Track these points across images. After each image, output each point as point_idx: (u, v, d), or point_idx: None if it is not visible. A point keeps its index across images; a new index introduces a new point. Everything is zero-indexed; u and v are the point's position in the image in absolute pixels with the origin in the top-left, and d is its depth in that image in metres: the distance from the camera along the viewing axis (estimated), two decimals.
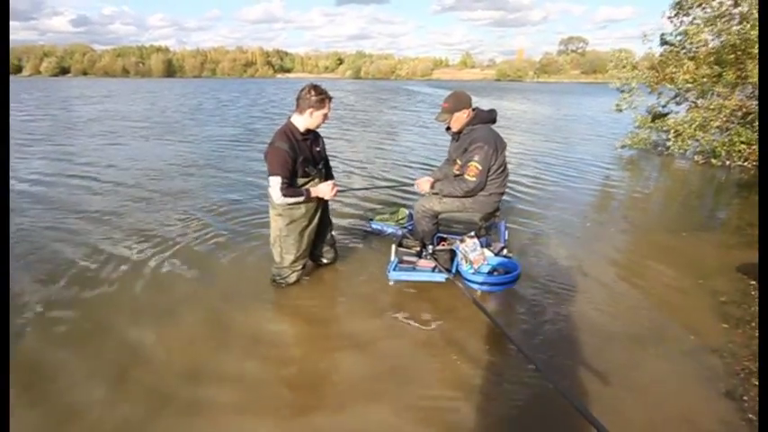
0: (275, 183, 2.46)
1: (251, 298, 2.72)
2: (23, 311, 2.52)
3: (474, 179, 2.71)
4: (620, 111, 8.75)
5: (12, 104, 17.94)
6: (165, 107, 17.92)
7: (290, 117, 2.60)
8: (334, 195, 2.72)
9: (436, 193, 2.94)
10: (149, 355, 2.17)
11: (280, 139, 2.49)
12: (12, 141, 8.41)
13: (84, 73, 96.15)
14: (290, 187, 2.51)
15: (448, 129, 2.96)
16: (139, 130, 10.59)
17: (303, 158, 2.56)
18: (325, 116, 2.58)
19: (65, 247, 3.48)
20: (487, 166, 2.70)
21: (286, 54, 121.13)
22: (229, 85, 46.15)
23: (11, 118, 12.74)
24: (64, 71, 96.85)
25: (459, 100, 2.79)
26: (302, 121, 2.55)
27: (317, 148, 2.72)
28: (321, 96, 2.50)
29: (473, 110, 2.82)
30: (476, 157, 2.68)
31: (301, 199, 2.57)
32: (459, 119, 2.80)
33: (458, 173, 2.86)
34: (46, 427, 1.76)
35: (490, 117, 2.84)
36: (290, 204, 2.58)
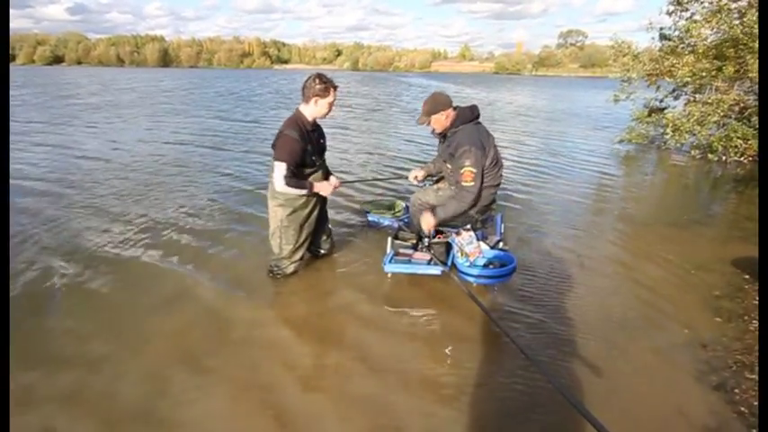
0: (280, 168, 2.46)
1: (248, 289, 2.71)
2: (17, 299, 2.51)
3: (472, 184, 2.67)
4: (617, 101, 8.70)
5: (43, 90, 19.22)
6: (200, 93, 19.20)
7: (298, 107, 2.61)
8: (335, 190, 2.80)
9: (435, 183, 2.93)
10: (142, 346, 2.16)
11: (290, 128, 2.50)
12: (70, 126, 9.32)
13: (79, 62, 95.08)
14: (293, 177, 2.51)
15: (433, 131, 2.94)
16: (199, 111, 12.73)
17: (311, 148, 2.58)
18: (331, 104, 2.59)
19: (68, 227, 3.57)
20: (480, 167, 2.67)
21: (283, 45, 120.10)
22: (236, 75, 45.98)
23: (47, 99, 14.26)
24: (58, 60, 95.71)
25: (436, 102, 2.74)
26: (309, 111, 2.57)
27: (322, 141, 2.75)
28: (326, 85, 2.50)
29: (454, 109, 2.78)
30: (467, 162, 2.64)
31: (303, 192, 2.57)
32: (439, 120, 2.76)
33: (451, 175, 2.84)
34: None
35: (473, 115, 2.79)
36: (290, 194, 2.58)
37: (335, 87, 2.57)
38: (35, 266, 2.94)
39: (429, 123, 2.80)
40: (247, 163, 6.16)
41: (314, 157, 2.62)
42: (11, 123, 9.30)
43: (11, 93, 17.34)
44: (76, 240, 3.37)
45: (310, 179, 2.64)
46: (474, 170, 2.65)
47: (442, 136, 2.89)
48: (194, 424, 1.73)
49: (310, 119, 2.58)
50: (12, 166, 5.61)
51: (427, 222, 2.76)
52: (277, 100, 17.60)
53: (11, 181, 4.91)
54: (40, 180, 5.09)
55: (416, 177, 3.15)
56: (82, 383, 1.91)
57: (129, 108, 13.26)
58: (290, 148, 2.47)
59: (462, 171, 2.66)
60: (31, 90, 19.48)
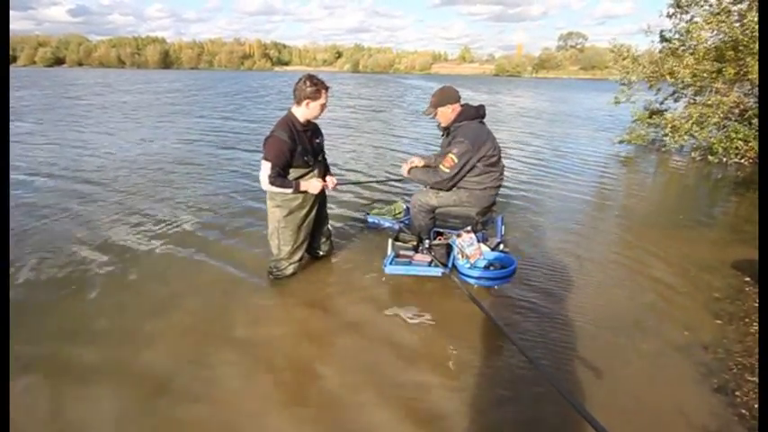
0: (265, 168, 2.48)
1: (247, 291, 2.71)
2: (19, 294, 2.54)
3: (447, 170, 2.70)
4: (618, 104, 8.72)
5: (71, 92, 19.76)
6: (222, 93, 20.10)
7: (290, 108, 2.60)
8: (334, 187, 2.82)
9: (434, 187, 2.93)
10: (142, 347, 2.16)
11: (280, 129, 2.50)
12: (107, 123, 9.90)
13: (80, 63, 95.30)
14: (279, 177, 2.52)
15: (438, 125, 2.95)
16: (205, 111, 13.28)
17: (302, 148, 2.57)
18: (323, 106, 2.58)
19: (66, 225, 3.71)
20: (465, 161, 2.68)
21: (284, 47, 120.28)
22: (238, 77, 46.32)
23: (68, 99, 15.09)
24: (59, 61, 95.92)
25: (444, 95, 2.77)
26: (301, 113, 2.56)
27: (317, 140, 2.74)
28: (316, 87, 2.49)
29: (461, 105, 2.80)
30: (453, 150, 2.68)
31: (289, 190, 2.57)
32: (445, 114, 2.79)
33: (438, 159, 2.88)
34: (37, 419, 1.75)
35: (478, 114, 2.81)
36: (278, 193, 2.59)
37: (327, 89, 2.55)
38: (18, 265, 2.95)
39: (435, 115, 2.83)
40: (255, 161, 6.18)
41: (306, 158, 2.60)
42: (23, 123, 9.72)
43: (18, 93, 17.64)
44: (90, 234, 3.43)
45: (305, 179, 2.64)
46: (456, 159, 2.67)
47: (446, 131, 2.91)
48: (197, 419, 1.73)
49: (302, 120, 2.57)
50: (30, 163, 5.98)
51: (405, 169, 3.05)
52: (281, 101, 17.69)
53: (32, 177, 5.29)
54: (60, 175, 5.38)
55: (413, 163, 3.14)
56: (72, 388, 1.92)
57: (137, 109, 13.54)
58: (277, 148, 2.48)
59: (446, 156, 2.72)
60: (37, 91, 19.81)
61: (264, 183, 2.51)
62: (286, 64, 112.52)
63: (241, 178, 5.40)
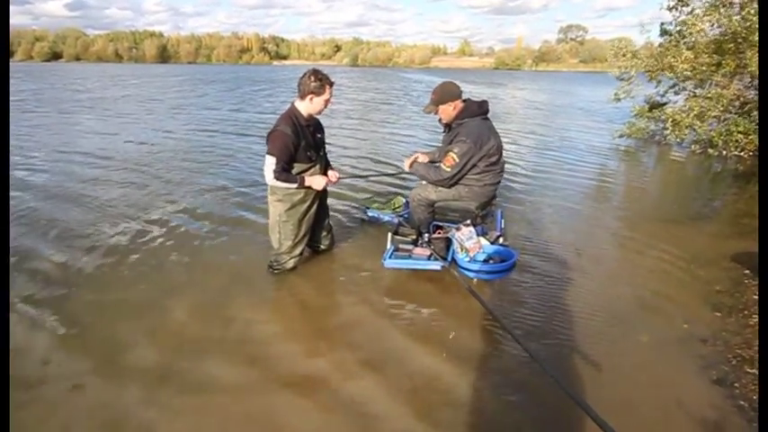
0: (270, 162, 2.47)
1: (247, 284, 2.71)
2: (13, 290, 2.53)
3: (448, 169, 2.70)
4: (618, 100, 8.70)
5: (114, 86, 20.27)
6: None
7: (293, 102, 2.59)
8: (338, 181, 2.87)
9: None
10: (143, 341, 2.16)
11: (284, 123, 2.49)
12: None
13: (77, 58, 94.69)
14: (284, 171, 2.51)
15: (440, 120, 2.94)
16: (214, 103, 13.46)
17: (306, 143, 2.56)
18: (327, 102, 2.57)
19: (67, 215, 3.80)
20: (466, 160, 2.67)
21: (282, 40, 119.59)
22: (238, 71, 46.51)
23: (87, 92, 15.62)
24: (56, 56, 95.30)
25: (445, 92, 2.75)
26: (304, 107, 2.55)
27: (319, 135, 2.74)
28: (321, 82, 2.48)
29: (463, 101, 2.77)
30: (455, 149, 2.67)
31: (294, 186, 2.56)
32: (446, 111, 2.76)
33: (440, 158, 2.87)
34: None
35: (480, 110, 2.78)
36: (280, 188, 2.58)
37: (331, 84, 2.54)
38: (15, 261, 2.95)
39: (436, 113, 2.80)
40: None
41: (309, 153, 2.60)
42: (33, 114, 9.99)
43: (24, 87, 17.85)
44: (107, 220, 3.46)
45: (308, 174, 2.63)
46: (457, 159, 2.66)
47: (448, 126, 2.89)
48: (193, 413, 1.74)
49: (305, 114, 2.56)
50: (55, 149, 6.50)
51: (407, 164, 3.04)
52: (285, 93, 17.79)
53: (57, 163, 5.68)
54: (89, 161, 5.82)
55: (416, 159, 3.12)
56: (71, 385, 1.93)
57: (147, 101, 13.76)
58: (282, 143, 2.47)
59: (447, 154, 2.71)
60: (43, 84, 20.05)
61: (269, 177, 2.50)
62: (284, 58, 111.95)
63: (250, 169, 5.45)
